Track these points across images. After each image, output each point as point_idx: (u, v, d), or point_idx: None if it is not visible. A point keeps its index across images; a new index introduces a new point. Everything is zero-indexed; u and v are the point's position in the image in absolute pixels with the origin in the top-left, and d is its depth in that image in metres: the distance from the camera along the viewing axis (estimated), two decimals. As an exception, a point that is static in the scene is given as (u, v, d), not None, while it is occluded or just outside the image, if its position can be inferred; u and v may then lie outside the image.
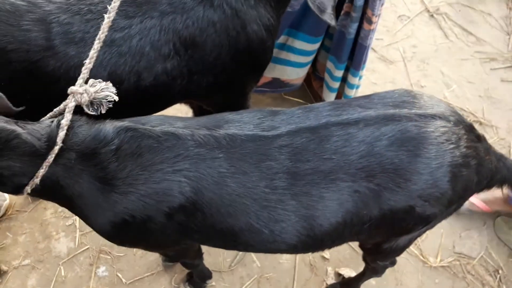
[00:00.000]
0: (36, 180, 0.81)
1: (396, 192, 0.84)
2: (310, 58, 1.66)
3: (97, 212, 0.87)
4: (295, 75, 1.71)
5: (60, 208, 1.65)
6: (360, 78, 1.65)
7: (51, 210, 1.66)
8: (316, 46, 1.60)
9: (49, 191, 0.85)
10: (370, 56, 2.07)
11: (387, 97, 0.89)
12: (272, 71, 1.71)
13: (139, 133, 0.83)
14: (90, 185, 0.84)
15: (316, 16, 1.47)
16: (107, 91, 0.81)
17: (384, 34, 2.20)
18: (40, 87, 0.85)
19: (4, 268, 1.52)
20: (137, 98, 1.00)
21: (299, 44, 1.60)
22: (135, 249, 1.56)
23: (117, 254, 1.57)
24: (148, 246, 1.00)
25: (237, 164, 0.84)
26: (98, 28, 0.87)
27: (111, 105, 0.83)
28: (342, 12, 1.44)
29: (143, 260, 1.56)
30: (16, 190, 0.83)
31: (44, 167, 0.79)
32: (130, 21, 0.91)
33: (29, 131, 0.78)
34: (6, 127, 0.75)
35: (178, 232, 0.91)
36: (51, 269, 1.54)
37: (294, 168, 0.84)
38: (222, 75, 1.08)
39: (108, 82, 0.82)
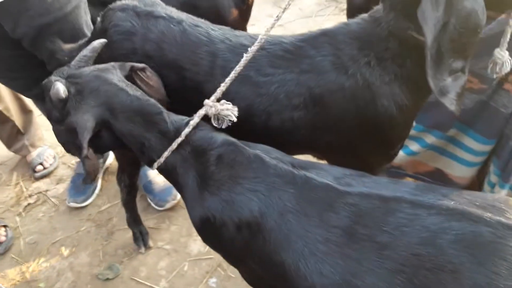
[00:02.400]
0: (162, 160, 1.05)
1: None
2: (478, 159, 1.52)
3: (193, 203, 1.06)
4: (460, 172, 1.59)
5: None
6: None
7: (201, 216, 1.96)
8: (486, 148, 1.47)
9: (170, 173, 1.09)
10: None
11: (478, 197, 0.80)
12: (436, 161, 1.63)
13: (237, 149, 1.00)
14: (194, 178, 1.04)
15: (490, 117, 1.39)
16: (230, 112, 1.02)
17: None
18: (198, 101, 1.10)
19: (150, 244, 1.87)
20: (265, 134, 1.16)
21: (468, 141, 1.50)
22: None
23: (230, 274, 1.73)
24: (222, 251, 1.12)
25: (303, 204, 0.91)
26: (249, 69, 1.10)
27: (230, 124, 1.03)
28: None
29: (246, 289, 1.67)
30: (149, 163, 1.10)
31: (168, 151, 1.04)
32: (275, 70, 1.11)
33: (168, 115, 1.04)
34: (157, 104, 1.04)
35: (244, 248, 1.01)
36: (178, 261, 1.81)
37: (351, 228, 0.85)
38: (345, 138, 1.15)
39: (235, 106, 1.02)
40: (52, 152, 2.34)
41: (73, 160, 2.30)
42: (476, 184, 1.67)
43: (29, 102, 2.26)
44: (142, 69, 1.08)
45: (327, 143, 1.18)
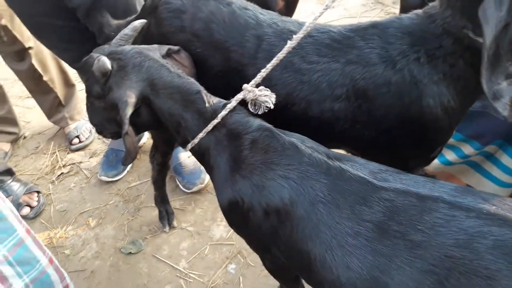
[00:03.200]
0: (196, 141, 1.06)
1: None
2: (514, 181, 1.46)
3: (223, 185, 1.06)
4: (493, 192, 1.52)
5: (233, 205, 1.95)
6: None
7: (227, 203, 1.97)
8: (525, 169, 1.41)
9: (202, 154, 1.09)
10: None
11: (523, 204, 0.76)
12: (469, 177, 1.58)
13: (272, 135, 0.99)
14: (226, 160, 1.04)
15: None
16: (267, 98, 1.01)
17: None
18: (237, 82, 1.11)
19: (175, 224, 1.89)
20: (303, 123, 1.15)
21: (506, 160, 1.44)
22: (262, 266, 1.68)
23: (249, 262, 1.74)
24: (247, 236, 1.12)
25: (335, 195, 0.89)
26: (294, 55, 1.09)
27: (266, 110, 1.02)
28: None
29: (264, 279, 1.67)
30: (183, 143, 1.10)
31: (203, 132, 1.04)
32: (319, 58, 1.09)
33: (206, 95, 1.05)
34: (196, 83, 1.04)
35: (270, 234, 1.00)
36: (200, 244, 1.83)
37: (385, 224, 0.83)
38: (385, 135, 1.12)
39: (273, 93, 1.02)
40: (89, 126, 2.41)
41: (108, 135, 2.36)
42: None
43: (73, 76, 2.33)
44: (177, 51, 1.09)
45: (366, 139, 1.15)
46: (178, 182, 2.05)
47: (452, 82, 1.03)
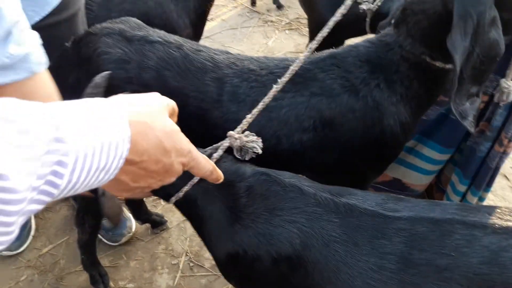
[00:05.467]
0: (180, 194, 0.95)
1: None
2: (436, 167, 1.65)
3: (219, 237, 0.98)
4: (418, 180, 1.71)
5: (171, 247, 1.81)
6: (481, 199, 1.58)
7: (163, 246, 1.81)
8: (444, 157, 1.60)
9: (188, 206, 1.00)
10: (502, 183, 2.03)
11: (520, 212, 0.86)
12: (395, 171, 1.73)
13: (271, 178, 0.94)
14: (220, 211, 0.96)
15: (450, 128, 1.51)
16: (255, 144, 0.96)
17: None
18: (202, 129, 1.03)
19: (111, 285, 1.67)
20: (273, 157, 1.12)
21: (427, 151, 1.61)
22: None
23: (206, 306, 1.63)
24: (249, 287, 1.04)
25: (350, 233, 0.88)
26: (258, 94, 1.06)
27: (254, 156, 0.96)
28: (477, 129, 1.45)
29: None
30: (165, 197, 0.98)
31: (189, 185, 0.93)
32: (284, 94, 1.08)
33: None
34: None
35: (278, 282, 0.95)
36: (147, 299, 1.65)
37: (408, 254, 0.84)
38: (348, 157, 1.16)
39: (259, 138, 0.97)
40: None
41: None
42: (432, 187, 1.81)
43: None
44: None
45: (331, 162, 1.17)
46: (101, 237, 1.81)
47: (408, 101, 1.11)
